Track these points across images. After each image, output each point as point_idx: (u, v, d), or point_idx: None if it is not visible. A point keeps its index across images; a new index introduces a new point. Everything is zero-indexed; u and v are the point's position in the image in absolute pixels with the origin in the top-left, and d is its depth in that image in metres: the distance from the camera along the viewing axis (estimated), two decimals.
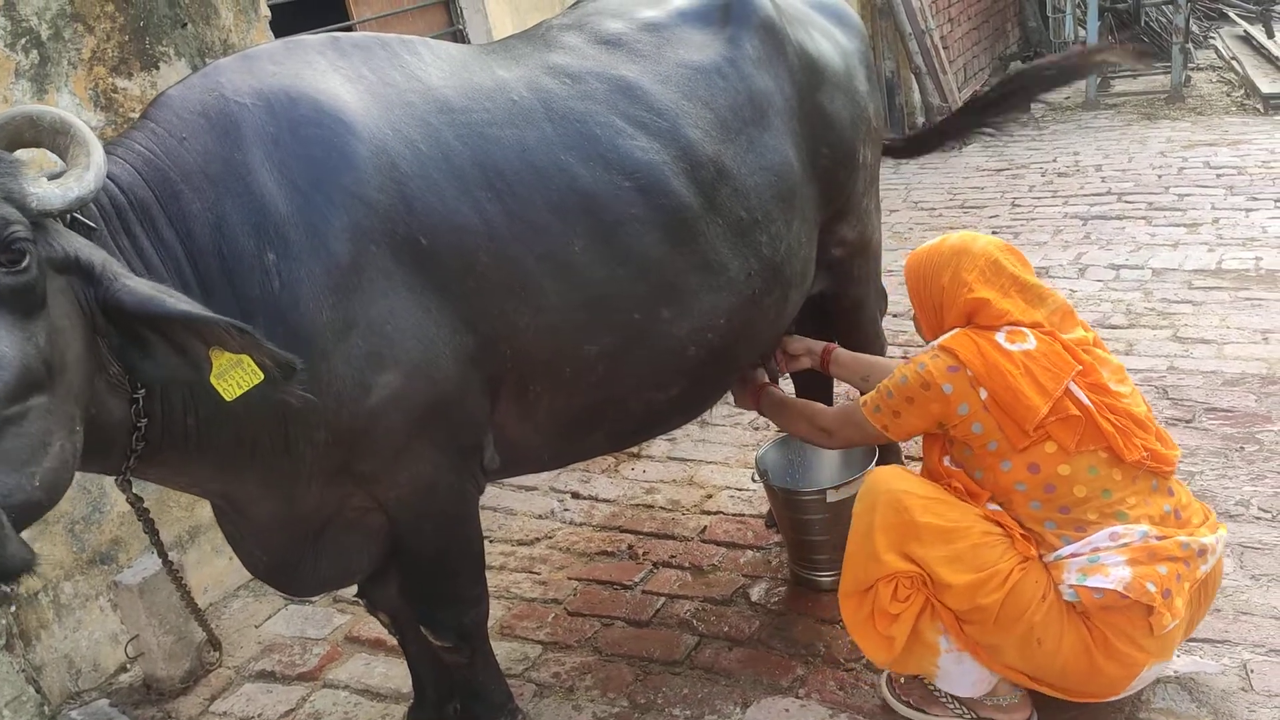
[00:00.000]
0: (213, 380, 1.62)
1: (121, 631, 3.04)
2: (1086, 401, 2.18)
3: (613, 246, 2.18)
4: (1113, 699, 2.29)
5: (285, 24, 3.41)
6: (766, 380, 2.77)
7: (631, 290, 2.22)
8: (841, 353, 2.78)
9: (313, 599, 3.29)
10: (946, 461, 2.35)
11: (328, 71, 2.02)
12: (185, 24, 3.21)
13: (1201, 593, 2.28)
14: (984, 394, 2.19)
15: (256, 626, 3.25)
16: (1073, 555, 2.18)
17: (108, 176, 1.75)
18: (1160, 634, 2.14)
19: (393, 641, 2.87)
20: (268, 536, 2.08)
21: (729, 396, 2.89)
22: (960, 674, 2.30)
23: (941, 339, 2.28)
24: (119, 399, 1.69)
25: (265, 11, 3.47)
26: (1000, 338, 2.22)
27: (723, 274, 2.35)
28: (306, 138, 1.89)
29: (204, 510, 3.29)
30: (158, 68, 3.13)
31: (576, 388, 2.23)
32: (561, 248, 2.12)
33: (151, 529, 2.00)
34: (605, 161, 2.19)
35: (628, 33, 2.42)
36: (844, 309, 2.99)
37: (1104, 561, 2.14)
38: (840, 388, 3.46)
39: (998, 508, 2.27)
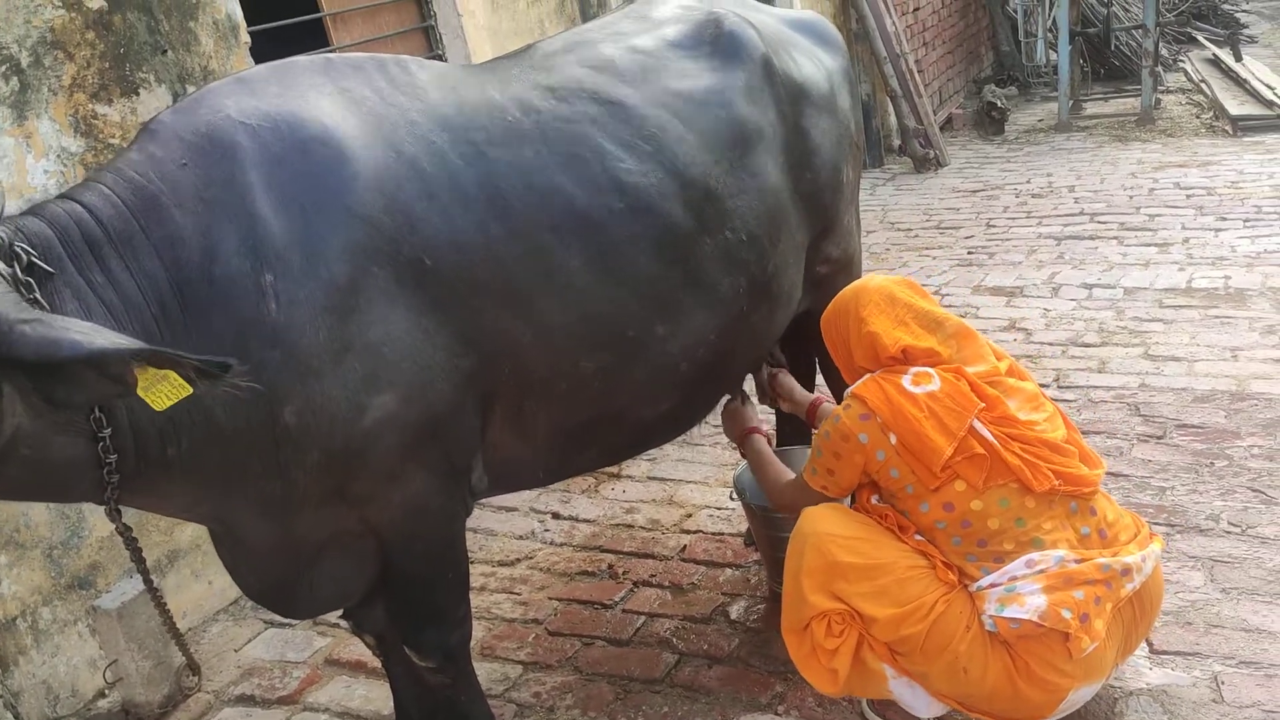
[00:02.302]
0: (140, 393, 1.57)
1: (100, 657, 3.03)
2: (990, 438, 2.22)
3: (609, 265, 2.22)
4: None
5: (265, 50, 3.44)
6: (758, 425, 2.79)
7: (627, 308, 2.26)
8: (827, 407, 2.82)
9: (293, 623, 3.28)
10: (874, 500, 2.39)
11: (331, 93, 2.04)
12: (165, 51, 3.23)
13: (1136, 609, 2.31)
14: (893, 438, 2.24)
15: (236, 650, 3.24)
16: (992, 585, 2.22)
17: (85, 209, 1.76)
18: (1079, 658, 2.17)
19: (374, 663, 2.88)
20: (262, 559, 2.08)
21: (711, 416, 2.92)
22: (914, 697, 2.33)
23: (853, 387, 2.34)
24: (69, 437, 1.66)
25: (245, 38, 3.50)
26: (906, 381, 2.27)
27: (713, 292, 2.40)
28: (312, 158, 1.91)
29: (183, 534, 3.29)
30: (138, 94, 3.15)
31: (572, 404, 2.27)
32: (559, 267, 2.15)
33: (139, 558, 1.98)
34: (599, 183, 2.23)
35: (618, 58, 2.46)
36: None
37: (1020, 591, 2.18)
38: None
39: (923, 538, 2.32)
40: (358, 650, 3.03)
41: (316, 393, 1.86)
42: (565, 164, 2.21)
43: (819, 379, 3.30)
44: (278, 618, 3.08)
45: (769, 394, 2.94)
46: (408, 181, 1.99)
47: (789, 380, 2.92)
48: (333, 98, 2.03)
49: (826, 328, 2.50)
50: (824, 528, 2.33)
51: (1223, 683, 2.52)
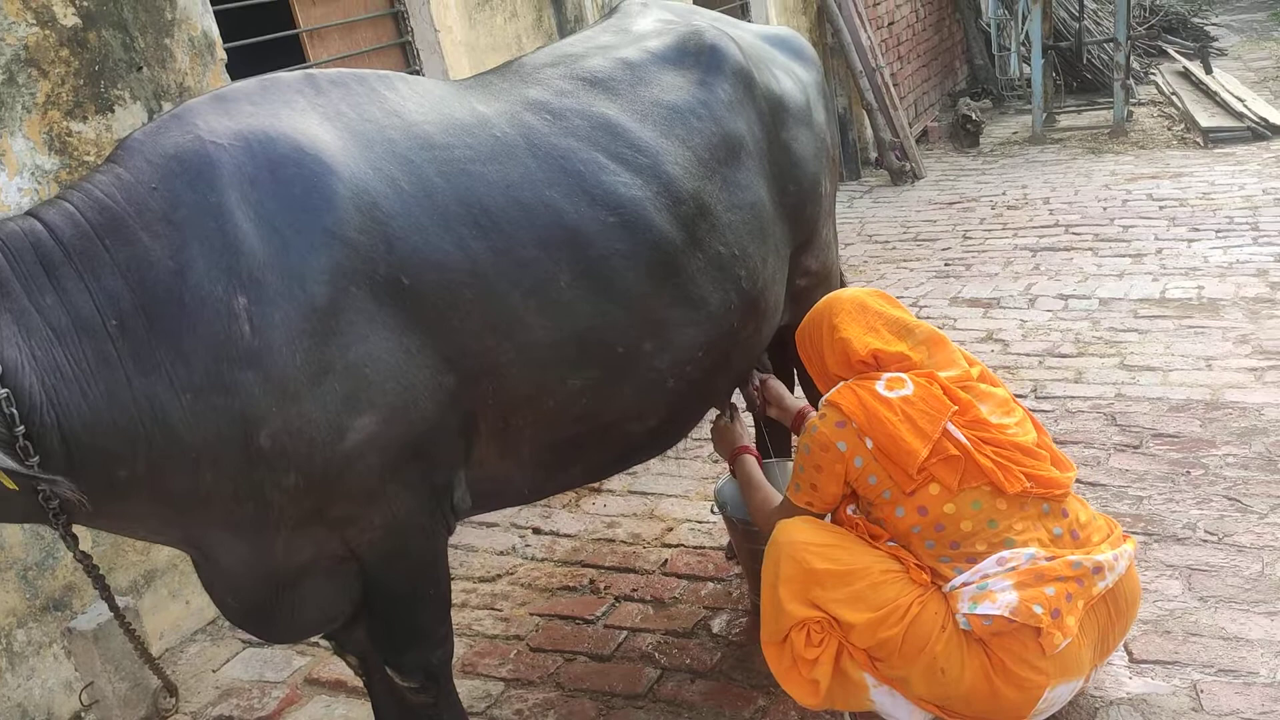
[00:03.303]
0: None
1: (76, 679, 2.99)
2: (964, 440, 2.24)
3: (598, 281, 2.21)
4: None
5: (242, 67, 3.44)
6: (748, 444, 2.79)
7: (615, 324, 2.24)
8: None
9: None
10: (850, 511, 2.41)
11: (307, 110, 2.02)
12: (141, 68, 3.22)
13: (1111, 608, 2.32)
14: (870, 444, 2.25)
15: (214, 671, 3.21)
16: (964, 584, 2.24)
17: (45, 226, 1.73)
18: (1053, 654, 2.18)
19: (354, 682, 2.86)
20: (239, 583, 2.05)
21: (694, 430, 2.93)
22: (895, 706, 2.33)
23: (827, 395, 2.36)
24: None
25: (221, 55, 3.49)
26: (879, 386, 2.29)
27: (703, 308, 2.40)
28: (286, 178, 1.89)
29: (159, 555, 3.26)
30: (113, 111, 3.14)
31: (558, 421, 2.25)
32: (547, 283, 2.13)
33: (102, 584, 1.95)
34: (590, 197, 2.22)
35: (605, 70, 2.47)
36: None
37: (992, 588, 2.20)
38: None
39: (896, 544, 2.33)
40: (338, 669, 3.01)
41: (294, 415, 1.83)
42: (554, 179, 2.19)
43: (798, 390, 3.31)
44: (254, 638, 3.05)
45: (758, 401, 2.94)
46: (384, 200, 1.97)
47: (779, 386, 2.92)
48: (308, 115, 2.01)
49: (801, 339, 2.52)
50: (797, 537, 2.35)
51: (1202, 691, 2.54)
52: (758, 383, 2.94)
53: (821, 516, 2.45)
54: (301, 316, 1.84)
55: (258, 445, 1.81)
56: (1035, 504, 2.29)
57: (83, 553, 1.88)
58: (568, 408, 2.23)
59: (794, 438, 3.12)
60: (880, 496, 2.29)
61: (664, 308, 2.32)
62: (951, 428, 2.25)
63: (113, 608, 2.04)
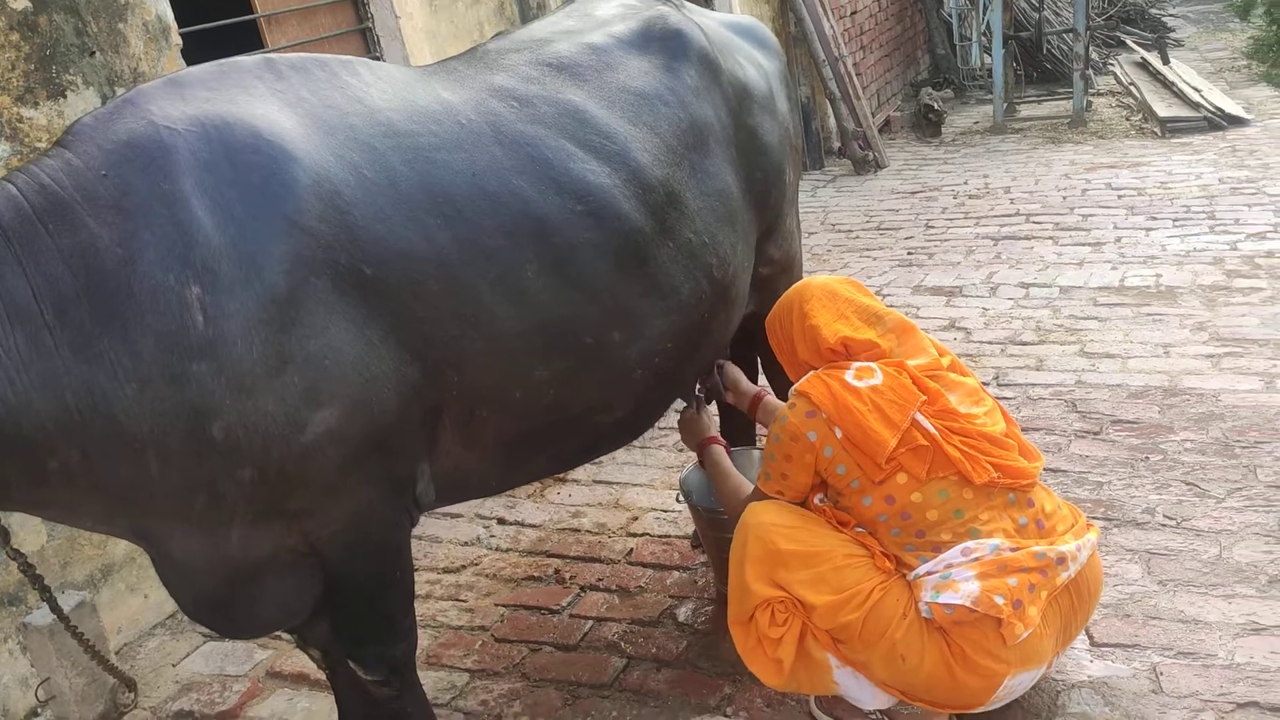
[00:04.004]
0: None
1: (32, 674, 2.93)
2: (932, 430, 2.25)
3: (566, 270, 2.18)
4: (983, 709, 2.34)
5: (198, 53, 3.37)
6: (715, 435, 2.79)
7: (584, 314, 2.22)
8: (771, 400, 2.84)
9: None
10: (818, 500, 2.41)
11: (266, 95, 1.97)
12: (94, 52, 3.14)
13: (1074, 597, 2.35)
14: (839, 433, 2.26)
15: (174, 665, 3.16)
16: (928, 573, 2.25)
17: None
18: (1014, 644, 2.20)
19: (317, 675, 2.83)
20: (194, 577, 2.01)
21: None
22: (859, 687, 2.34)
23: (796, 384, 2.36)
24: None
25: (176, 40, 3.42)
26: (849, 376, 2.30)
27: (674, 297, 2.38)
28: (244, 165, 1.84)
29: (116, 549, 3.20)
30: (65, 97, 3.07)
31: (525, 412, 2.22)
32: (514, 273, 2.10)
33: (39, 582, 1.89)
34: (558, 185, 2.19)
35: (571, 56, 2.43)
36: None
37: (955, 578, 2.21)
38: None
39: (864, 530, 2.34)
40: (300, 662, 2.97)
41: (250, 408, 1.79)
42: (521, 166, 2.16)
43: (761, 379, 3.31)
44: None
45: (723, 388, 2.92)
46: (347, 188, 1.93)
47: (735, 371, 2.92)
48: (267, 100, 1.97)
49: (771, 327, 2.52)
50: (765, 518, 2.36)
51: (1161, 674, 2.57)
52: (715, 368, 2.93)
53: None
54: (259, 307, 1.80)
55: (210, 438, 1.77)
56: (1002, 494, 2.30)
57: (13, 549, 1.83)
58: (535, 399, 2.21)
59: (758, 429, 3.12)
60: (848, 486, 2.29)
61: (634, 298, 2.30)
62: (920, 418, 2.26)
63: (53, 607, 2.00)
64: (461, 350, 2.06)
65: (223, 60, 2.07)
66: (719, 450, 2.72)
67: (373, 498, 2.04)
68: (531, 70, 2.36)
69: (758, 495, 2.44)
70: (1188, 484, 3.37)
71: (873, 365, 2.31)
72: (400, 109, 2.11)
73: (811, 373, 2.36)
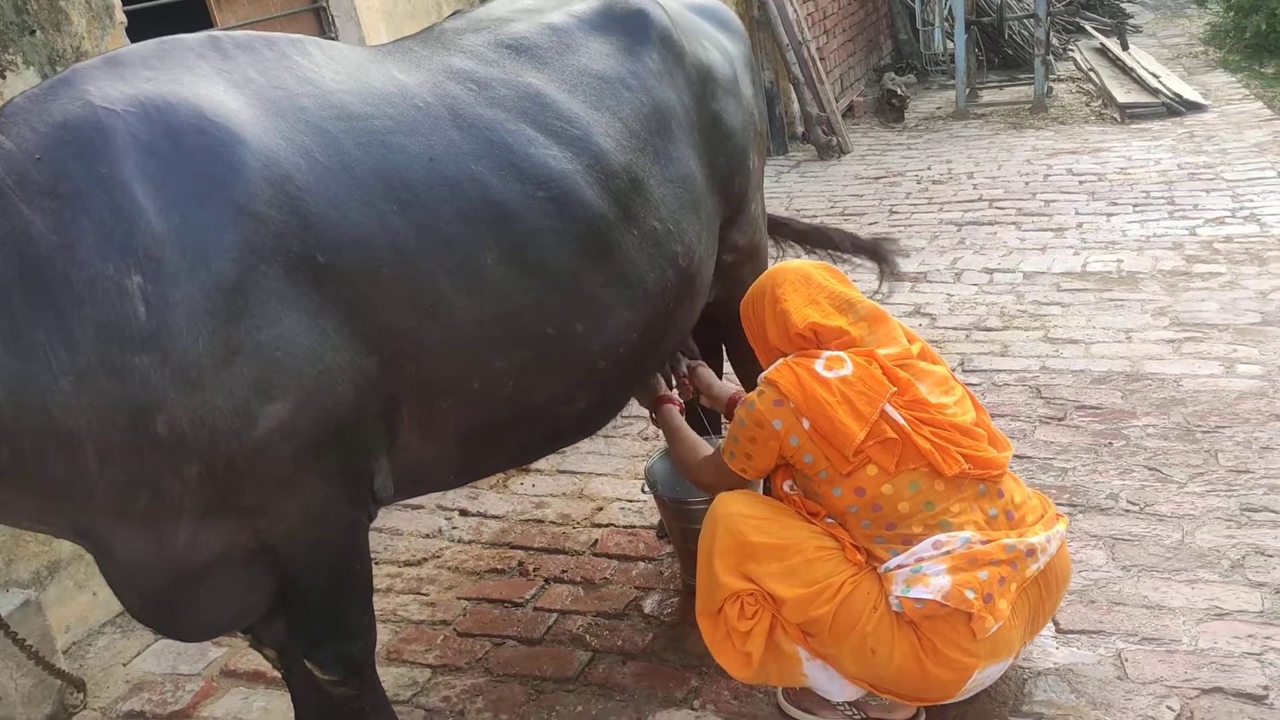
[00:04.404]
0: None
1: None
2: (902, 422, 2.22)
3: (527, 258, 2.11)
4: (951, 700, 2.34)
5: (143, 32, 3.25)
6: (669, 393, 2.75)
7: (546, 303, 2.15)
8: None
9: None
10: (787, 487, 2.39)
11: (210, 75, 1.88)
12: (34, 31, 3.02)
13: (1042, 588, 2.34)
14: (806, 423, 2.23)
15: (124, 664, 3.07)
16: (899, 567, 2.23)
17: None
18: (984, 637, 2.19)
19: (273, 673, 2.76)
20: (138, 578, 1.92)
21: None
22: (828, 680, 2.33)
23: (766, 372, 2.33)
24: None
25: (120, 18, 3.30)
26: (819, 366, 2.26)
27: (639, 287, 2.32)
28: (188, 148, 1.75)
29: (63, 546, 3.10)
30: (4, 77, 2.94)
31: (485, 404, 2.16)
32: (473, 261, 2.03)
33: None
34: (518, 171, 2.12)
35: (531, 37, 2.36)
36: (735, 316, 2.98)
37: (926, 572, 2.19)
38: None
39: (834, 521, 2.32)
40: (255, 660, 2.90)
41: (197, 402, 1.72)
42: (480, 151, 2.09)
43: (727, 368, 3.28)
44: None
45: (685, 388, 2.88)
46: (298, 172, 1.86)
47: (708, 374, 2.88)
48: (212, 80, 1.88)
49: (745, 309, 2.47)
50: (735, 508, 2.34)
51: (1126, 660, 2.57)
52: (685, 370, 2.88)
53: (753, 484, 2.42)
54: (205, 296, 1.72)
55: (153, 433, 1.70)
56: (972, 485, 2.28)
57: None
58: (495, 391, 2.14)
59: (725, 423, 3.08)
60: (816, 475, 2.26)
61: (598, 287, 2.24)
62: (890, 409, 2.22)
63: None
64: (419, 340, 1.99)
65: (165, 38, 1.96)
66: (672, 410, 2.69)
67: (328, 493, 1.97)
68: (490, 51, 2.29)
69: (719, 466, 2.40)
70: (1150, 469, 3.38)
71: (843, 355, 2.28)
72: (353, 91, 2.03)
73: (781, 360, 2.33)
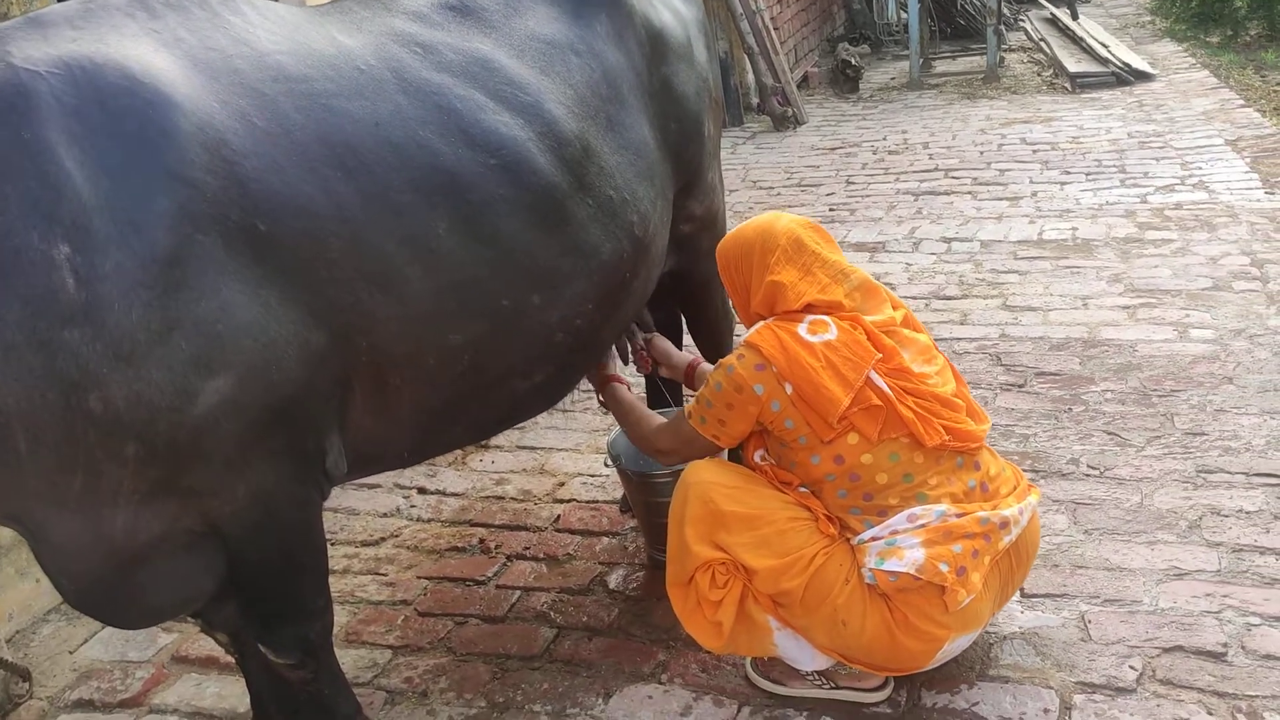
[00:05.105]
0: None
1: None
2: (886, 389, 2.19)
3: (480, 229, 2.04)
4: (919, 670, 2.34)
5: None
6: (615, 373, 2.70)
7: (500, 275, 2.09)
8: (706, 368, 2.74)
9: None
10: (758, 457, 2.36)
11: (139, 35, 1.79)
12: None
13: (1013, 559, 2.34)
14: (789, 388, 2.19)
15: (71, 652, 2.97)
16: (873, 539, 2.22)
17: None
18: (956, 610, 2.18)
19: (226, 659, 2.68)
20: (71, 563, 1.83)
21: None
22: (798, 649, 2.31)
23: (747, 335, 2.28)
24: None
25: None
26: (802, 329, 2.22)
27: (595, 257, 2.25)
28: (117, 111, 1.66)
29: (4, 530, 2.99)
30: None
31: (440, 379, 2.09)
32: (424, 231, 1.96)
33: None
34: (468, 138, 2.04)
35: (476, 0, 2.28)
36: (693, 286, 2.95)
37: (900, 544, 2.18)
38: None
39: (808, 490, 2.29)
40: (208, 645, 2.82)
41: (132, 378, 1.63)
42: (427, 117, 2.01)
43: (686, 339, 3.23)
44: None
45: (643, 361, 2.83)
46: (235, 136, 1.77)
47: (665, 344, 2.83)
48: (140, 40, 1.78)
49: (726, 266, 2.39)
50: (706, 476, 2.30)
51: (1089, 621, 2.58)
52: (642, 343, 2.83)
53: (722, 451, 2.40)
54: (138, 267, 1.63)
55: (87, 411, 1.61)
56: (950, 457, 2.26)
57: None
58: (450, 365, 2.08)
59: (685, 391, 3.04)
60: (796, 441, 2.22)
61: (553, 257, 2.17)
62: (875, 376, 2.19)
63: None
64: (370, 314, 1.92)
65: None
66: (619, 387, 2.66)
67: (277, 472, 1.90)
68: (434, 14, 2.21)
69: (686, 434, 2.35)
70: (1109, 433, 3.40)
71: (827, 319, 2.23)
72: (291, 52, 1.94)
73: (762, 323, 2.27)
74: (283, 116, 1.85)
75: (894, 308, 2.38)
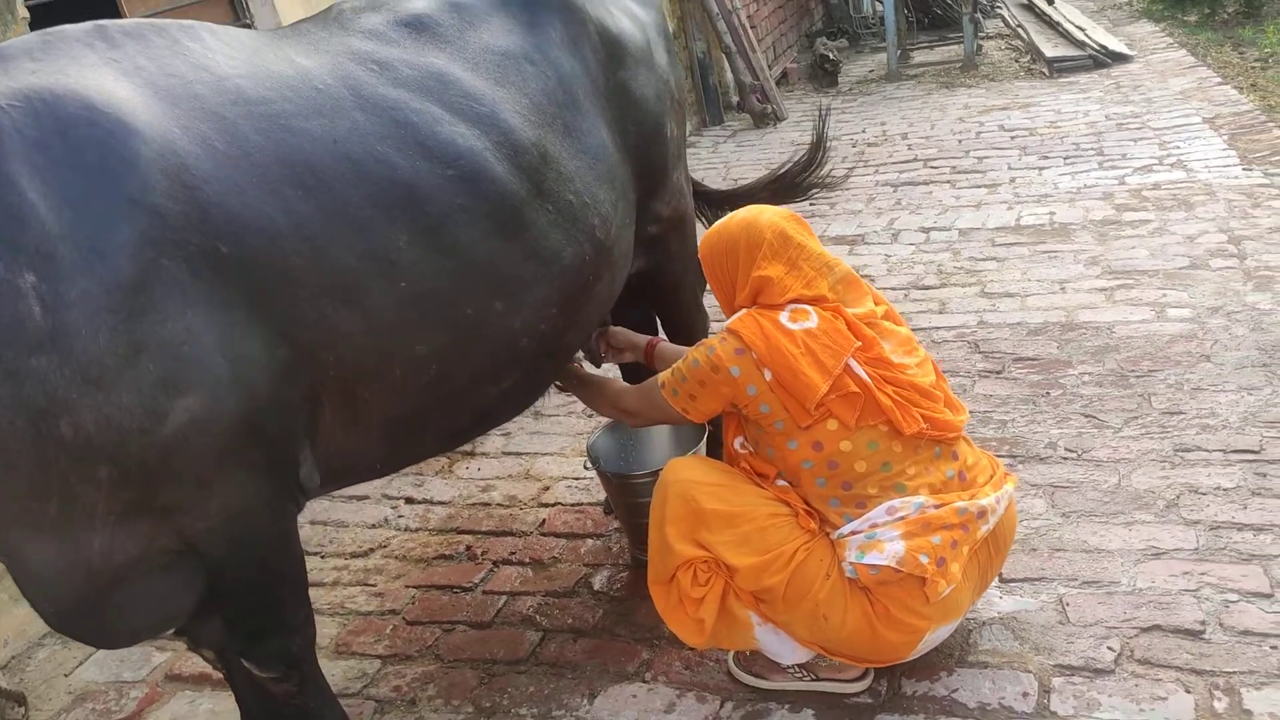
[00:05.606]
0: None
1: None
2: (865, 377, 2.22)
3: (440, 239, 2.07)
4: (901, 661, 2.37)
5: (48, 26, 3.14)
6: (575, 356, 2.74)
7: (463, 284, 2.12)
8: (665, 346, 2.77)
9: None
10: (738, 444, 2.39)
11: (98, 65, 1.82)
12: None
13: (991, 548, 2.37)
14: (768, 374, 2.22)
15: (66, 675, 3.01)
16: (853, 533, 2.25)
17: None
18: (936, 601, 2.22)
19: (218, 675, 2.70)
20: (50, 586, 1.86)
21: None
22: (779, 643, 2.34)
23: (729, 321, 2.31)
24: None
25: (24, 13, 3.20)
26: (783, 317, 2.25)
27: (556, 262, 2.29)
28: (78, 141, 1.69)
29: None
30: None
31: (408, 389, 2.13)
32: (385, 245, 1.99)
33: None
34: (425, 150, 2.08)
35: (431, 15, 2.32)
36: (663, 287, 2.98)
37: (880, 538, 2.21)
38: None
39: (786, 484, 2.32)
40: (201, 663, 2.84)
41: (101, 402, 1.67)
42: (385, 132, 2.05)
43: (662, 337, 3.26)
44: None
45: (605, 350, 2.85)
46: (196, 161, 1.80)
47: (623, 332, 2.84)
48: (100, 70, 1.81)
49: (710, 262, 2.41)
50: (686, 474, 2.33)
51: (1067, 604, 2.61)
52: (595, 338, 2.85)
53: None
54: (104, 293, 1.66)
55: (58, 436, 1.64)
56: (928, 447, 2.29)
57: None
58: (417, 375, 2.11)
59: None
60: (773, 426, 2.25)
61: (515, 264, 2.21)
62: (854, 364, 2.22)
63: None
64: (335, 330, 1.96)
65: (48, 29, 1.90)
66: (575, 367, 2.71)
67: (250, 487, 1.93)
68: (390, 31, 2.25)
69: (655, 397, 2.38)
70: (1086, 416, 3.43)
71: (808, 308, 2.26)
72: (250, 75, 1.98)
73: (744, 311, 2.31)
74: (242, 139, 1.88)
75: (876, 303, 2.41)
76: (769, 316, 2.26)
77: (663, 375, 2.39)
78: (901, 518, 2.21)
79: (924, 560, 2.18)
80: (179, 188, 1.76)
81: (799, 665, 2.42)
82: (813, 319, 2.25)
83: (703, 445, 2.92)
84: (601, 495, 3.35)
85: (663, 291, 2.99)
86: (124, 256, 1.68)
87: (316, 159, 1.95)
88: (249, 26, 4.16)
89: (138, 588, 1.93)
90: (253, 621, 2.11)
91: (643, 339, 2.79)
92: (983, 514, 2.28)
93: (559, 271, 2.29)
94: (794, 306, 2.27)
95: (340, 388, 2.02)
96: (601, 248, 2.40)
